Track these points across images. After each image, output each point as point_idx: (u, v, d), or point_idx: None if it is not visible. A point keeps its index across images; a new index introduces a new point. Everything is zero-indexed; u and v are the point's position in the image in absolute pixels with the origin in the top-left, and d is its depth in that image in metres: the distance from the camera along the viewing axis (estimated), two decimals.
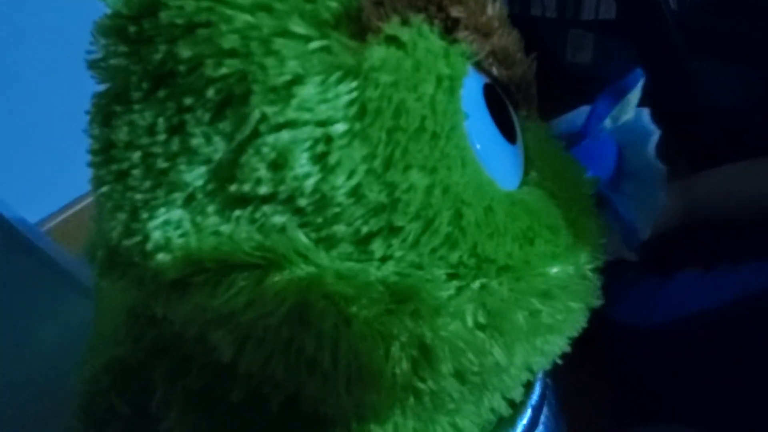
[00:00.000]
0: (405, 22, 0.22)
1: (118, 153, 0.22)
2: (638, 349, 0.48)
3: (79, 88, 0.23)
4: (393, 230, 0.22)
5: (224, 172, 0.21)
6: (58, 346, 0.49)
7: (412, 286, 0.22)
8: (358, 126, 0.21)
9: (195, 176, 0.21)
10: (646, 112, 0.45)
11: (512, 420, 0.30)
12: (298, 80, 0.20)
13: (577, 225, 0.28)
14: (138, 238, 0.22)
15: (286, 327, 0.21)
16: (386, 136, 0.21)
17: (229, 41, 0.20)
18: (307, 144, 0.21)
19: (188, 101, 0.21)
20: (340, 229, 0.22)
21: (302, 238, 0.22)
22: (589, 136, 0.44)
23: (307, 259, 0.21)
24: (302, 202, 0.21)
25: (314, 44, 0.21)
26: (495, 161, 0.25)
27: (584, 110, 0.46)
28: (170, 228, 0.22)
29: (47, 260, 0.54)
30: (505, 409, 0.29)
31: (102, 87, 0.23)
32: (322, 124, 0.21)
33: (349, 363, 0.21)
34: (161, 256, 0.21)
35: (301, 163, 0.21)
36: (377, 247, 0.22)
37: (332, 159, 0.21)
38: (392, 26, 0.22)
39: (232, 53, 0.20)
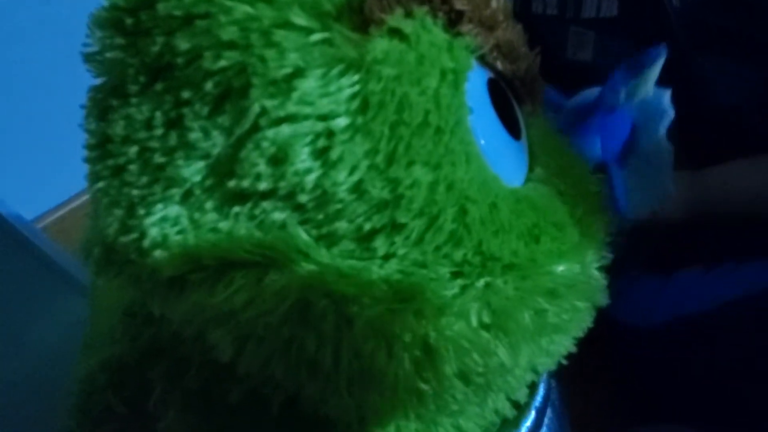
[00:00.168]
0: (408, 15, 0.22)
1: (115, 148, 0.21)
2: (638, 349, 0.49)
3: (76, 84, 0.23)
4: (396, 227, 0.22)
5: (223, 168, 0.21)
6: (54, 343, 0.49)
7: (416, 284, 0.22)
8: (360, 120, 0.21)
9: (193, 171, 0.21)
10: (667, 94, 0.45)
11: (516, 422, 0.30)
12: (299, 73, 0.20)
13: (583, 222, 0.27)
14: (135, 235, 0.21)
15: (286, 326, 0.21)
16: (389, 131, 0.21)
17: (228, 33, 0.20)
18: (308, 139, 0.20)
19: (186, 95, 0.20)
20: (341, 226, 0.21)
21: (303, 235, 0.21)
22: (603, 108, 0.43)
23: (308, 256, 0.21)
24: (303, 198, 0.21)
25: (316, 36, 0.20)
26: (499, 157, 0.25)
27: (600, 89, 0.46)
28: (167, 224, 0.21)
29: (43, 257, 0.54)
30: (509, 411, 0.28)
31: (98, 81, 0.22)
32: (324, 118, 0.20)
33: (351, 363, 0.21)
34: (158, 254, 0.21)
35: (302, 158, 0.20)
36: (380, 245, 0.22)
37: (334, 154, 0.21)
38: (395, 18, 0.22)
39: (232, 45, 0.20)
